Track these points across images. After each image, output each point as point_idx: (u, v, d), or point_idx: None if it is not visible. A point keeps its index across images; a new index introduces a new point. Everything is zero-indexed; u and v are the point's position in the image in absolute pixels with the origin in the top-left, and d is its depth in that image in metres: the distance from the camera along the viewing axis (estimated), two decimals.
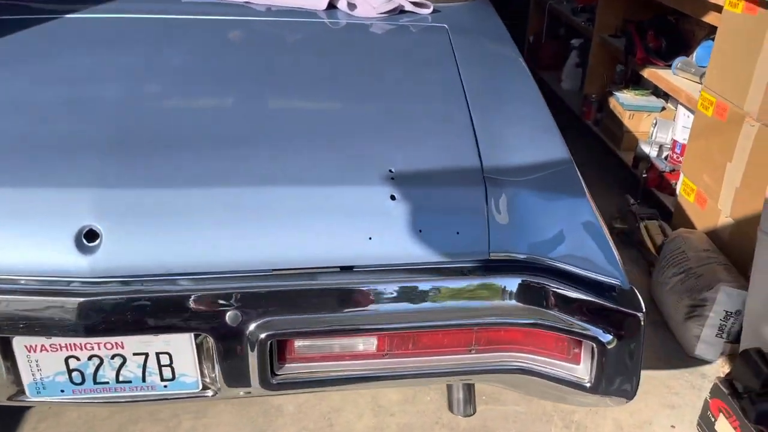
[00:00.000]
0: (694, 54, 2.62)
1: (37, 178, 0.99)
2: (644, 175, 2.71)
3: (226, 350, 1.02)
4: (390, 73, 1.32)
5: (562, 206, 1.10)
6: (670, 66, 2.72)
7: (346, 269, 1.04)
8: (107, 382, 1.08)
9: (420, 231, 1.05)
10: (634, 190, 2.76)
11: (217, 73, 1.27)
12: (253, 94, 1.21)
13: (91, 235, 0.97)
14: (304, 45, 1.40)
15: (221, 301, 1.00)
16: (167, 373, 1.08)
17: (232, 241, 1.01)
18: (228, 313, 1.00)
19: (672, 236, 2.17)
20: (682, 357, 1.95)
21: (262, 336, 1.01)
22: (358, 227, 1.04)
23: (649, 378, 1.86)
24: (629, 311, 1.03)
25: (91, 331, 0.96)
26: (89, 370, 1.04)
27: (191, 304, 1.00)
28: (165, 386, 1.09)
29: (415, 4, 1.60)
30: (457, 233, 1.06)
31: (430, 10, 1.62)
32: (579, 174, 1.13)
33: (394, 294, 1.05)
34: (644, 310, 1.05)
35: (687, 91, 2.50)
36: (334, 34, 1.48)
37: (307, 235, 1.02)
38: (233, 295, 1.00)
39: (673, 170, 2.65)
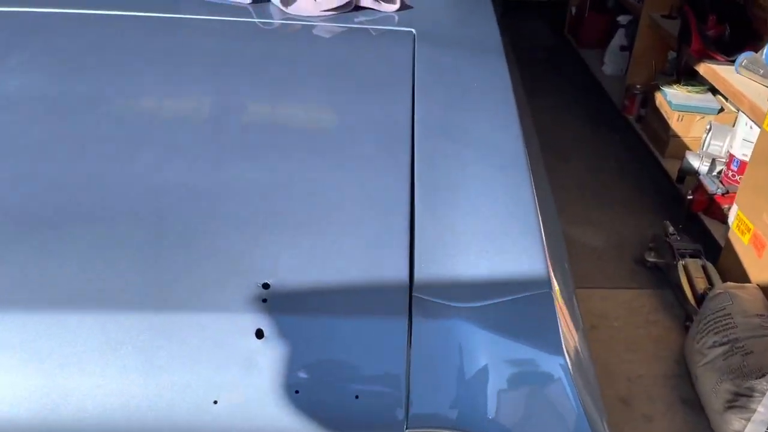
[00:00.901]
0: (765, 50, 2.10)
1: None
2: (690, 197, 2.23)
3: None
4: (305, 114, 0.92)
5: (526, 360, 0.70)
6: (733, 62, 2.21)
7: None
8: None
9: (297, 392, 0.67)
10: (676, 213, 2.29)
11: (50, 103, 0.89)
12: (79, 140, 0.82)
13: None
14: (196, 66, 1.00)
15: None
16: None
17: None
18: None
19: (716, 290, 1.72)
20: None
21: None
22: (200, 382, 0.66)
23: None
24: None
25: None
26: None
27: None
28: None
29: None
30: (357, 397, 0.68)
31: (396, 6, 1.19)
32: (556, 306, 0.72)
33: None
34: None
35: (751, 98, 2.00)
36: (249, 46, 1.08)
37: (118, 390, 0.66)
38: None
39: (727, 192, 2.17)
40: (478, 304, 0.71)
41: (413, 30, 1.13)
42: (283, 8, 1.15)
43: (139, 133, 0.85)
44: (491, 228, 0.79)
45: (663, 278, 2.09)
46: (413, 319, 0.69)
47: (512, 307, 0.72)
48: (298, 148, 0.86)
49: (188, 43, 1.07)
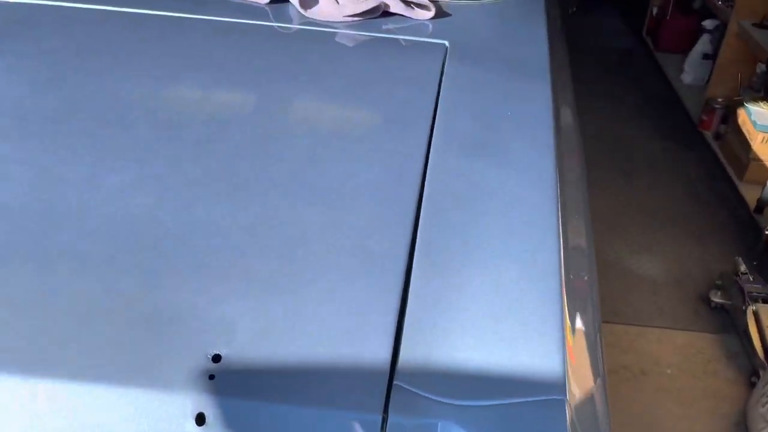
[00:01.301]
0: None
1: None
2: None
3: None
4: (300, 141, 0.79)
5: None
6: None
7: None
8: None
9: None
10: (750, 248, 2.05)
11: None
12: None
13: None
14: (187, 75, 0.89)
15: None
16: None
17: None
18: None
19: None
20: None
21: None
22: None
23: None
24: None
25: None
26: None
27: None
28: None
29: (408, 3, 1.04)
30: None
31: (430, 14, 1.05)
32: (568, 418, 0.58)
33: None
34: None
35: None
36: (255, 55, 0.96)
37: None
38: None
39: None
40: (471, 404, 0.57)
41: (446, 42, 0.99)
42: (302, 11, 1.02)
43: (104, 153, 0.75)
44: (502, 305, 0.64)
45: (728, 322, 1.87)
46: (389, 413, 0.56)
47: (513, 411, 0.57)
48: (284, 182, 0.73)
49: (188, 47, 0.96)
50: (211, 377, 0.57)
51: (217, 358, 0.57)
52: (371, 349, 0.59)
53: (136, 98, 0.85)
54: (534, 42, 1.02)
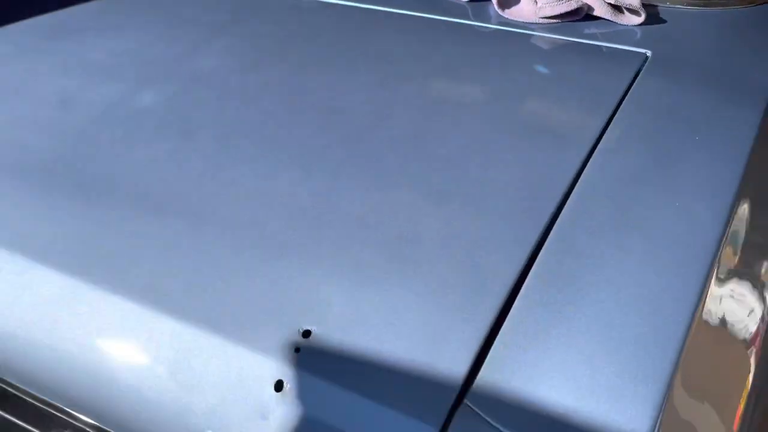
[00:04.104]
0: None
1: None
2: None
3: None
4: (450, 147, 0.77)
5: None
6: None
7: None
8: None
9: None
10: None
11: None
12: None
13: None
14: (361, 71, 0.92)
15: None
16: None
17: None
18: None
19: None
20: None
21: None
22: (197, 410, 0.62)
23: None
24: None
25: None
26: None
27: None
28: None
29: (615, 7, 0.94)
30: None
31: (640, 20, 0.94)
32: None
33: None
34: None
35: None
36: (438, 54, 0.95)
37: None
38: None
39: None
40: None
41: (648, 52, 0.88)
42: (500, 11, 1.00)
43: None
44: (606, 350, 0.57)
45: None
46: (448, 430, 0.54)
47: None
48: (421, 176, 0.73)
49: (378, 41, 1.00)
50: (297, 350, 0.60)
51: (306, 334, 0.60)
52: (450, 362, 0.57)
53: (315, 88, 0.91)
54: (761, 61, 0.86)
